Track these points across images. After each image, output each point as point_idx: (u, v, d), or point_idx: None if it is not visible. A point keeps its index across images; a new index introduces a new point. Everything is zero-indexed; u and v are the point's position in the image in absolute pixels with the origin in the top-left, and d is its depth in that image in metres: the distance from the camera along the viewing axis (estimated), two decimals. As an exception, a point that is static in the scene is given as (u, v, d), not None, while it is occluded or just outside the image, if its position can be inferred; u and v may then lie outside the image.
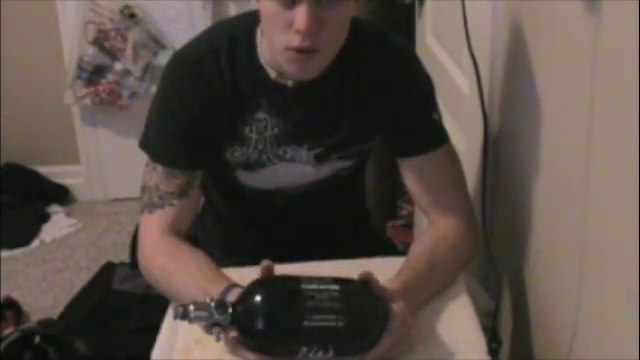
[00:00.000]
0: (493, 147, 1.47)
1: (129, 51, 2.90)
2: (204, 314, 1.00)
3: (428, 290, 1.20)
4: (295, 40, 1.11)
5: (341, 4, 1.12)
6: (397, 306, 1.06)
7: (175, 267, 1.21)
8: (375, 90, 1.28)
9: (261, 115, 1.26)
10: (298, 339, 1.01)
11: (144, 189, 1.28)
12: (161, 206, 1.25)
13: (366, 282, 1.07)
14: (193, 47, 1.28)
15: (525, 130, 1.33)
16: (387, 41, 1.31)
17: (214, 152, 1.29)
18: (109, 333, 2.21)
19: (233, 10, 3.01)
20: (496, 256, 1.35)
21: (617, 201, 0.92)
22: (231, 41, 1.24)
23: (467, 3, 1.34)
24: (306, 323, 1.00)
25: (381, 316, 1.05)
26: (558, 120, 1.17)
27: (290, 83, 1.23)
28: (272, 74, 1.23)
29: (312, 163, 1.31)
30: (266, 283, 1.04)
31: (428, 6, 2.13)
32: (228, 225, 1.49)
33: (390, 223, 2.52)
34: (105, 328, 2.23)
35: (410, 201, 2.46)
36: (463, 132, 1.68)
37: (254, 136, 1.27)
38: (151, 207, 1.26)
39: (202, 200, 1.55)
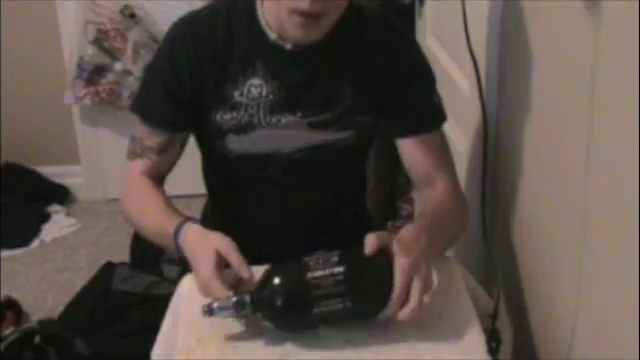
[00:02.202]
0: (493, 147, 1.47)
1: (129, 51, 2.90)
2: (227, 312, 1.11)
3: (440, 238, 1.22)
4: (303, 4, 1.14)
5: None
6: (401, 262, 1.10)
7: (143, 203, 1.32)
8: (375, 62, 1.29)
9: (256, 81, 1.28)
10: (312, 323, 1.13)
11: (132, 138, 1.36)
12: (141, 156, 1.33)
13: (372, 254, 1.13)
14: (194, 12, 1.33)
15: (525, 130, 1.33)
16: (390, 20, 1.35)
17: (203, 117, 1.31)
18: (109, 333, 2.21)
19: (233, 10, 3.01)
20: (496, 256, 1.35)
21: (617, 201, 0.92)
22: (231, 5, 1.29)
23: (467, 3, 1.34)
24: (315, 310, 1.10)
25: (385, 286, 1.11)
26: (558, 120, 1.17)
27: (289, 46, 1.25)
28: (272, 35, 1.26)
29: (306, 128, 1.31)
30: (273, 280, 1.12)
31: (428, 6, 2.13)
32: (226, 208, 1.47)
33: (390, 223, 2.52)
34: (105, 328, 2.23)
35: (410, 201, 2.47)
36: (463, 132, 1.68)
37: (244, 100, 1.28)
38: (133, 155, 1.35)
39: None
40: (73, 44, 2.94)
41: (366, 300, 1.13)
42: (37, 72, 3.08)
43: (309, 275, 1.10)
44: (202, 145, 1.40)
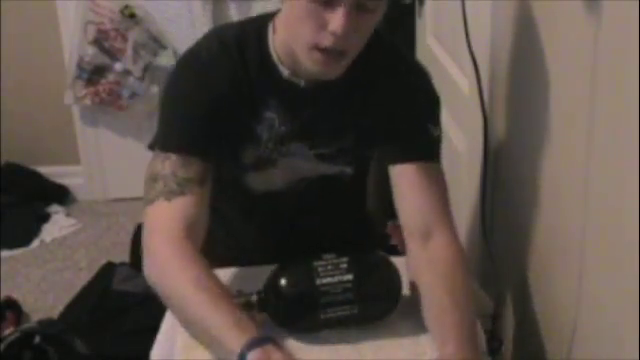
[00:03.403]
0: (493, 147, 1.47)
1: (129, 51, 2.90)
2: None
3: (470, 325, 1.14)
4: (327, 41, 1.09)
5: (379, 9, 1.10)
6: None
7: (198, 300, 1.06)
8: (381, 98, 1.25)
9: (269, 114, 1.24)
10: (318, 327, 1.14)
11: (156, 178, 1.16)
12: (181, 193, 1.14)
13: (379, 260, 1.17)
14: (205, 47, 1.24)
15: (525, 130, 1.33)
16: (398, 52, 1.30)
17: (230, 153, 1.26)
18: (109, 333, 2.21)
19: (233, 10, 3.00)
20: (496, 256, 1.35)
21: (617, 200, 0.92)
22: (241, 39, 1.23)
23: (467, 3, 1.34)
24: (322, 316, 1.12)
25: (392, 293, 1.15)
26: (558, 120, 1.17)
27: (303, 83, 1.22)
28: (285, 72, 1.22)
29: (314, 160, 1.29)
30: (281, 283, 1.13)
31: (428, 6, 2.13)
32: (231, 228, 1.45)
33: (390, 223, 2.51)
34: (105, 328, 2.23)
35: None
36: (463, 132, 1.69)
37: (265, 134, 1.25)
38: (168, 194, 1.14)
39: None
40: (73, 44, 2.94)
41: (373, 307, 1.15)
42: (37, 72, 3.08)
43: (318, 282, 1.12)
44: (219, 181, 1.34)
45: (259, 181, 1.31)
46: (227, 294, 1.09)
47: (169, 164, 1.16)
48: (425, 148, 1.26)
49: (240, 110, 1.23)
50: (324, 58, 1.12)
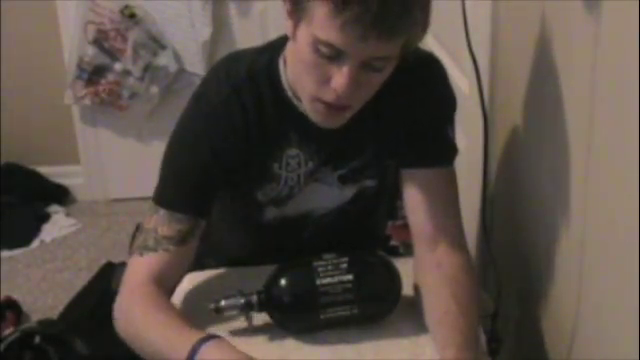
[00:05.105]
0: (493, 147, 1.47)
1: (129, 51, 2.90)
2: (235, 310, 1.15)
3: (472, 330, 1.13)
4: (330, 96, 1.06)
5: (387, 68, 1.06)
6: None
7: (148, 318, 1.14)
8: (398, 104, 1.21)
9: (292, 151, 1.21)
10: (317, 327, 1.15)
11: (140, 231, 1.18)
12: (154, 249, 1.15)
13: (379, 260, 1.18)
14: (214, 88, 1.19)
15: (525, 129, 1.33)
16: (409, 56, 1.20)
17: (245, 193, 1.25)
18: (109, 333, 2.21)
19: (233, 10, 3.00)
20: (496, 256, 1.35)
21: (617, 200, 0.92)
22: (252, 77, 1.18)
23: (467, 3, 1.34)
24: (322, 316, 1.13)
25: (392, 293, 1.16)
26: (558, 120, 1.17)
27: None
28: (301, 107, 1.17)
29: (337, 185, 1.27)
30: (281, 283, 1.14)
31: (428, 6, 2.13)
32: (234, 238, 1.43)
33: (390, 223, 2.51)
34: (105, 328, 2.23)
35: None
36: (463, 132, 1.68)
37: (283, 173, 1.22)
38: (143, 249, 1.16)
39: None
40: (73, 44, 2.95)
41: (373, 307, 1.16)
42: (37, 72, 3.08)
43: (318, 282, 1.12)
44: (234, 214, 1.34)
45: (274, 212, 1.29)
46: (179, 316, 1.12)
47: (155, 219, 1.17)
48: (442, 154, 1.24)
49: (256, 151, 1.20)
50: (326, 111, 1.09)
